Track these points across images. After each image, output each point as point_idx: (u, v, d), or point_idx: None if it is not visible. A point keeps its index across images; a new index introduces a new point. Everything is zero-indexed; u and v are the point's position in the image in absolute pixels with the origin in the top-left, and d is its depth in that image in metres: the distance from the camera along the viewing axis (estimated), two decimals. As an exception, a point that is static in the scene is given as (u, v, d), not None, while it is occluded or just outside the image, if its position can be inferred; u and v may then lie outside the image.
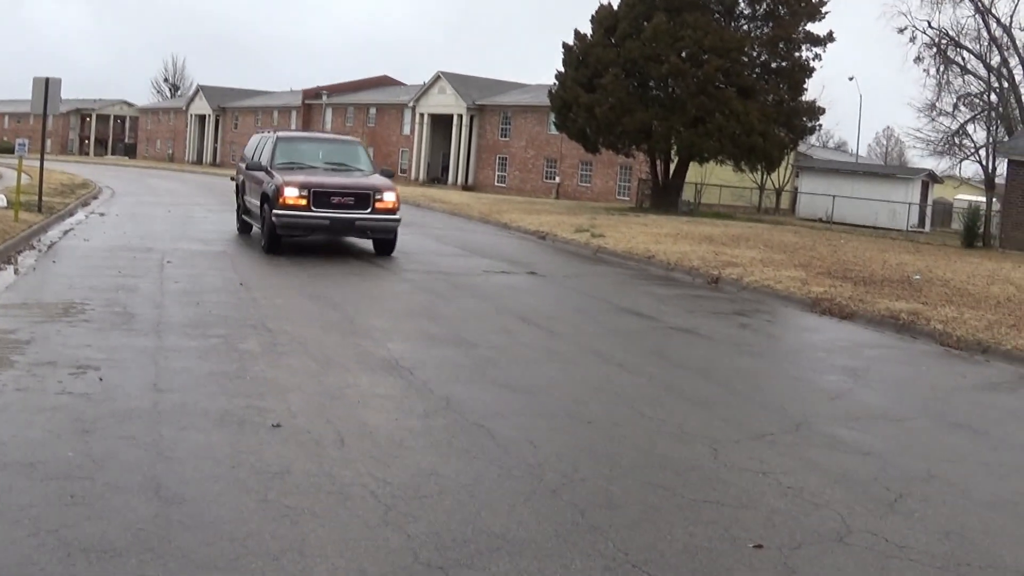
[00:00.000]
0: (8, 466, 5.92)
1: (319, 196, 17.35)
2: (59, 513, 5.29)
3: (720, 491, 6.40)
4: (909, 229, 44.94)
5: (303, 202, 17.19)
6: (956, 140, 50.66)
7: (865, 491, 6.59)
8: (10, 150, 38.31)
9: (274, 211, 17.27)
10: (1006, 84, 47.55)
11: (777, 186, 58.10)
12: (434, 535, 5.38)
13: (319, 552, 5.07)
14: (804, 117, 42.90)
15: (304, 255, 17.59)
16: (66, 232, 19.62)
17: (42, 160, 24.30)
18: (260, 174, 18.86)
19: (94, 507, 5.41)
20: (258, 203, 18.64)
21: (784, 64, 42.51)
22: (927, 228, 48.28)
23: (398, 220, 18.33)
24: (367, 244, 19.33)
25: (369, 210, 17.69)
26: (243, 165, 21.58)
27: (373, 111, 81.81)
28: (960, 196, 60.71)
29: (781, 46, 42.46)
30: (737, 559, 5.40)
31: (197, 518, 5.39)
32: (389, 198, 17.97)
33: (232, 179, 24.16)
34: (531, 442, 7.12)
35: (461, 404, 8.02)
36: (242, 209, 21.69)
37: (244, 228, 21.89)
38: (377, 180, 18.72)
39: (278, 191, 17.29)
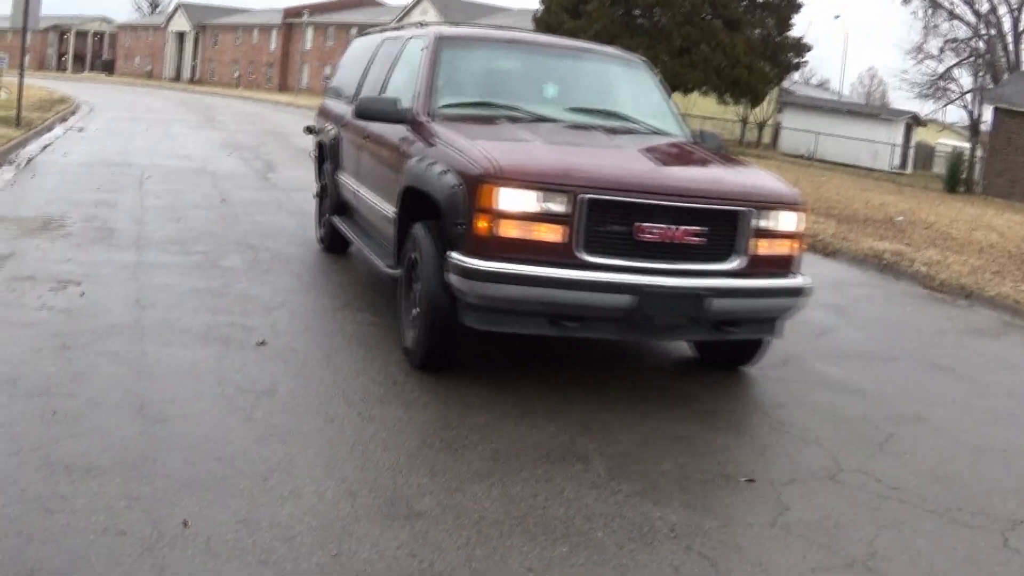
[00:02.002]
0: (-13, 379, 5.78)
1: (609, 212, 6.21)
2: (41, 430, 5.16)
3: (711, 424, 6.32)
4: (891, 170, 44.96)
5: (557, 232, 6.14)
6: (941, 84, 50.49)
7: (854, 430, 6.52)
8: (-11, 66, 37.64)
9: (460, 258, 6.19)
10: (994, 31, 47.32)
11: (760, 120, 57.92)
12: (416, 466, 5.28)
13: (308, 473, 4.96)
14: (790, 53, 42.69)
15: (283, 168, 17.26)
16: (45, 147, 19.27)
17: (21, 74, 23.90)
18: (393, 131, 7.88)
19: (76, 424, 5.28)
20: (388, 208, 7.81)
21: (772, -2, 42.17)
22: (909, 170, 48.30)
23: (802, 292, 6.90)
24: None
25: (736, 261, 6.53)
26: (338, 105, 10.47)
27: (354, 31, 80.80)
28: (942, 140, 60.70)
29: (770, -21, 42.07)
30: (731, 492, 5.33)
31: (182, 437, 5.27)
32: (787, 225, 6.79)
33: (311, 131, 11.97)
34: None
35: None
36: (333, 200, 10.16)
37: (333, 240, 10.44)
38: (746, 174, 7.26)
39: (476, 190, 6.17)
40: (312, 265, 9.88)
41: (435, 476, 5.08)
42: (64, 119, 27.78)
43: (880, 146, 45.85)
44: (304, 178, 16.62)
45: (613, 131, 7.61)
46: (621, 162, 6.66)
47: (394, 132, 7.74)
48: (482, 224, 6.02)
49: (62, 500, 4.40)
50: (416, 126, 7.41)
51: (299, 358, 6.78)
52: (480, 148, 6.34)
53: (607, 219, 6.07)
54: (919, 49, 49.98)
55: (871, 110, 59.21)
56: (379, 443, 5.44)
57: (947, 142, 57.83)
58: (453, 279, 6.16)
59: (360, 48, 10.77)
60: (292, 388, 6.17)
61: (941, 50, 49.62)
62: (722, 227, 6.33)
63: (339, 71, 11.48)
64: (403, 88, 8.05)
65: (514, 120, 7.44)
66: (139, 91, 60.78)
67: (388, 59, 9.03)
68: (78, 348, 6.50)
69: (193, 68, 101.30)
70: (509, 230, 6.01)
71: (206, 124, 31.49)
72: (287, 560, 4.10)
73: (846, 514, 5.18)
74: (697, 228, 6.22)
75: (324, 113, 11.25)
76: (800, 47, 42.83)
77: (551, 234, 6.02)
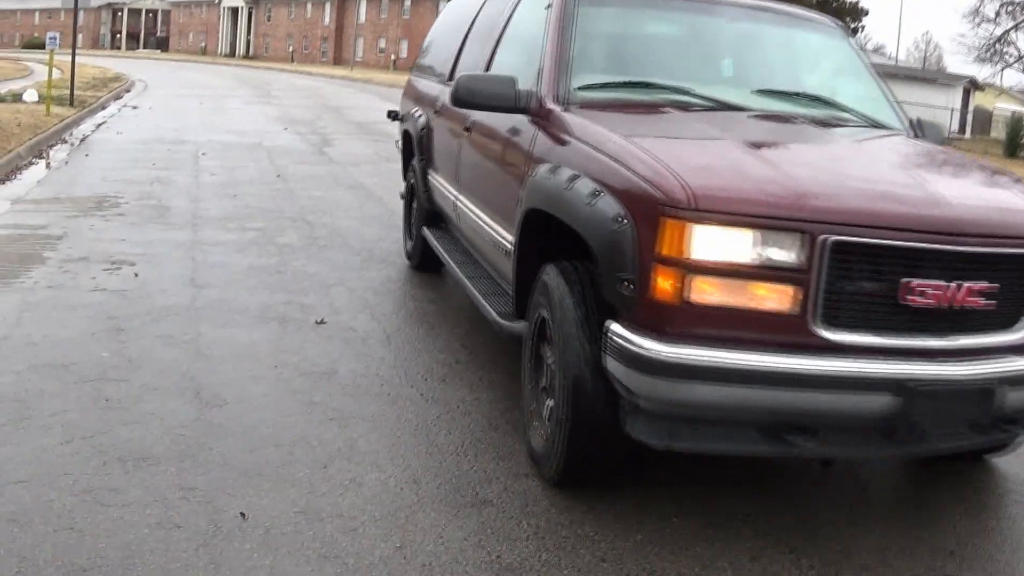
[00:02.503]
0: (39, 368, 5.62)
1: (864, 262, 3.89)
2: (93, 418, 4.99)
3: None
4: (949, 136, 44.04)
5: (783, 296, 3.84)
6: (998, 47, 49.39)
7: None
8: (41, 45, 37.82)
9: (628, 337, 3.96)
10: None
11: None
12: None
13: (370, 459, 4.75)
14: (847, 17, 41.98)
15: (339, 142, 17.11)
16: (99, 125, 19.25)
17: (73, 53, 23.90)
18: (507, 122, 5.67)
19: (130, 411, 5.10)
20: (502, 234, 5.65)
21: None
22: (968, 135, 47.34)
23: None
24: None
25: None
26: (429, 85, 8.36)
27: (408, 2, 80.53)
28: (1000, 104, 59.48)
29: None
30: None
31: (239, 422, 5.08)
32: None
33: (395, 116, 10.02)
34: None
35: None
36: (423, 205, 8.17)
37: (425, 257, 8.37)
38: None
39: (655, 227, 3.88)
40: (370, 240, 9.66)
41: (501, 461, 4.86)
42: (118, 97, 27.85)
43: (938, 111, 44.89)
44: (361, 152, 16.49)
45: (824, 124, 5.30)
46: (872, 179, 4.25)
47: (509, 124, 5.54)
48: (665, 283, 3.81)
49: (115, 493, 4.22)
50: (542, 116, 5.17)
51: (359, 337, 6.57)
52: (655, 156, 4.10)
53: (860, 273, 3.86)
54: (976, 12, 48.83)
55: (928, 75, 58.10)
56: (443, 426, 5.22)
57: (1005, 106, 56.59)
58: (615, 368, 4.01)
59: (456, 10, 8.38)
60: (352, 369, 5.96)
61: (998, 13, 48.46)
62: (1016, 280, 4.10)
63: (430, 42, 9.08)
64: (515, 62, 5.89)
65: (684, 108, 5.16)
66: (193, 68, 61.01)
67: (494, 24, 6.77)
68: (132, 331, 6.34)
69: (247, 43, 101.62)
70: (709, 293, 3.80)
71: (261, 99, 31.44)
72: (349, 554, 3.89)
73: None
74: (985, 284, 3.97)
75: (412, 95, 8.77)
76: (856, 11, 42.21)
77: (774, 299, 3.81)
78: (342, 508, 4.25)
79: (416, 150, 8.07)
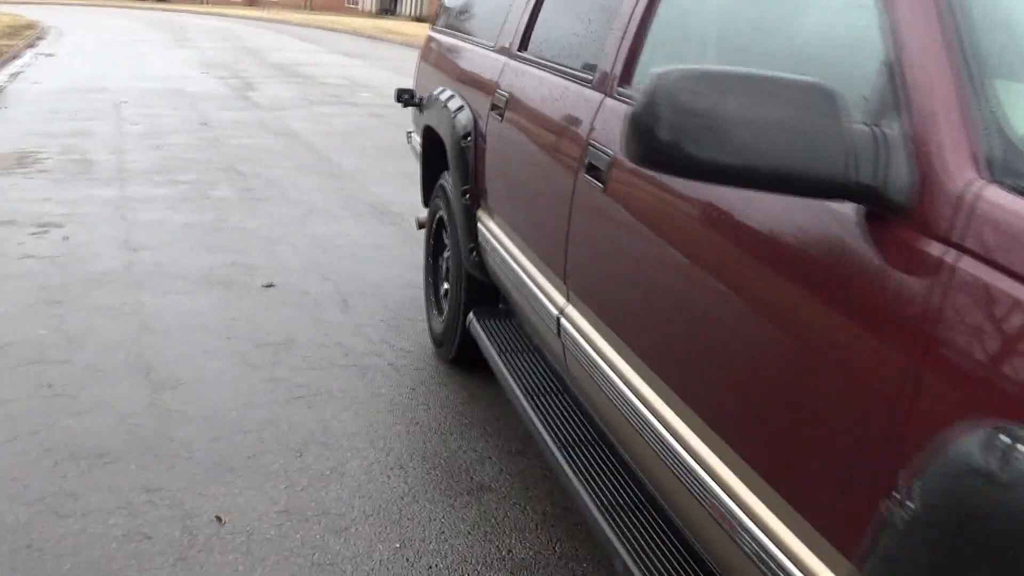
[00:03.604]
0: (-29, 349, 5.12)
1: None
2: (38, 409, 4.51)
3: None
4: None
5: None
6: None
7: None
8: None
9: None
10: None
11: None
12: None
13: (347, 443, 4.34)
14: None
15: (262, 85, 16.47)
16: (13, 76, 18.32)
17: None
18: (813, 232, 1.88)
19: (77, 399, 4.63)
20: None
21: None
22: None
23: None
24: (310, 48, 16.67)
25: None
26: (481, 57, 4.75)
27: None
28: None
29: None
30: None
31: (198, 406, 4.63)
32: None
33: (407, 100, 5.97)
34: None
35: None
36: (466, 270, 4.73)
37: (464, 350, 5.03)
38: None
39: None
40: (308, 191, 9.16)
41: (489, 438, 4.49)
42: (32, 45, 26.68)
43: None
44: (286, 95, 15.87)
45: None
46: None
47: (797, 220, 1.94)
48: None
49: (73, 499, 3.77)
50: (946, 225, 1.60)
51: (312, 301, 6.13)
52: None
53: None
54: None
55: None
56: (419, 400, 4.82)
57: None
58: None
59: None
60: (312, 338, 5.53)
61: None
62: None
63: None
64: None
65: None
66: (106, 12, 59.04)
67: None
68: (69, 303, 5.84)
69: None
70: None
71: (178, 43, 30.37)
72: (344, 559, 3.50)
73: None
74: None
75: (439, 64, 5.59)
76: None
77: None
78: (327, 504, 3.84)
79: (453, 167, 4.70)
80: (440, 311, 5.34)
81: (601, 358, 2.88)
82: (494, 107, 4.21)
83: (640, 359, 2.62)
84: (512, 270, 3.93)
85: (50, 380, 4.78)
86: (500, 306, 4.66)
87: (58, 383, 4.76)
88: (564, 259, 3.23)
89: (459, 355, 5.06)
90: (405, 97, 5.97)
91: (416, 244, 7.32)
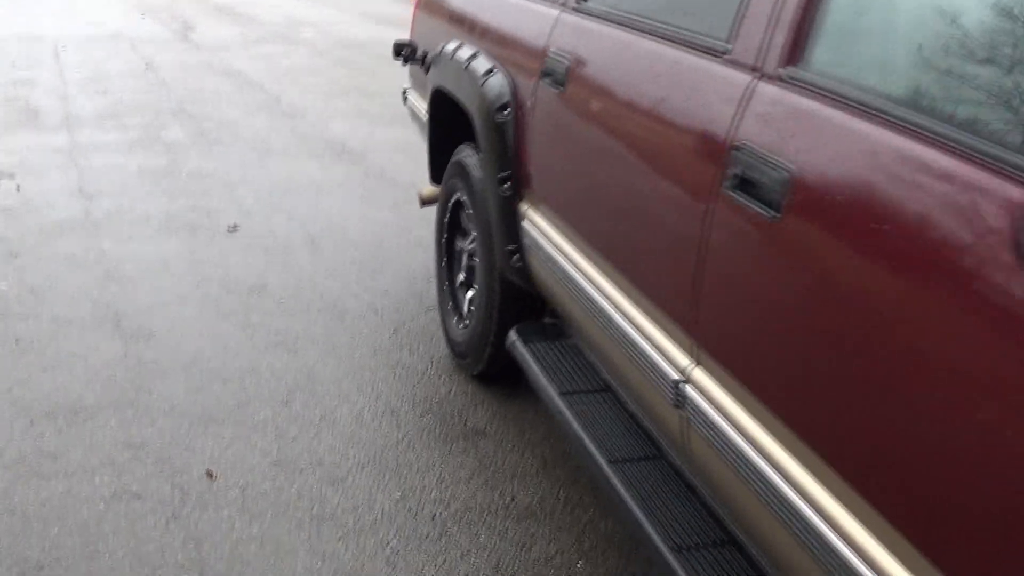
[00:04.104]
0: (-70, 305, 4.89)
1: None
2: (7, 365, 4.32)
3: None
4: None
5: None
6: None
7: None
8: None
9: None
10: None
11: None
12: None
13: (334, 389, 4.19)
14: None
15: (202, 27, 16.05)
16: (-62, 20, 17.73)
17: None
18: None
19: (46, 353, 4.44)
20: None
21: None
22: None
23: None
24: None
25: None
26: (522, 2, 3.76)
27: None
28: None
29: None
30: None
31: (174, 355, 4.46)
32: None
33: (408, 55, 5.03)
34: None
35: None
36: (503, 275, 3.79)
37: (496, 361, 4.05)
38: None
39: None
40: (261, 131, 8.89)
41: (479, 380, 4.33)
42: (-47, -11, 25.86)
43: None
44: (227, 35, 15.48)
45: None
46: None
47: None
48: None
49: (53, 459, 3.61)
50: None
51: (280, 244, 5.93)
52: None
53: None
54: None
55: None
56: (403, 343, 4.68)
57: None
58: None
59: None
60: (283, 281, 5.35)
61: None
62: None
63: None
64: None
65: None
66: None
67: None
68: (28, 253, 5.61)
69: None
70: None
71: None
72: (345, 511, 3.37)
73: None
74: None
75: (451, 13, 4.53)
76: None
77: None
78: (320, 453, 3.70)
79: (485, 147, 3.71)
80: (460, 315, 4.36)
81: (760, 455, 2.07)
82: (547, 74, 3.24)
83: (831, 468, 1.87)
84: (582, 292, 3.00)
85: (16, 335, 4.59)
86: (547, 320, 3.76)
87: (25, 338, 4.56)
88: (691, 305, 2.32)
89: (489, 370, 4.12)
90: (406, 52, 4.96)
91: (378, 182, 7.14)
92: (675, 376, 2.39)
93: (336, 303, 5.07)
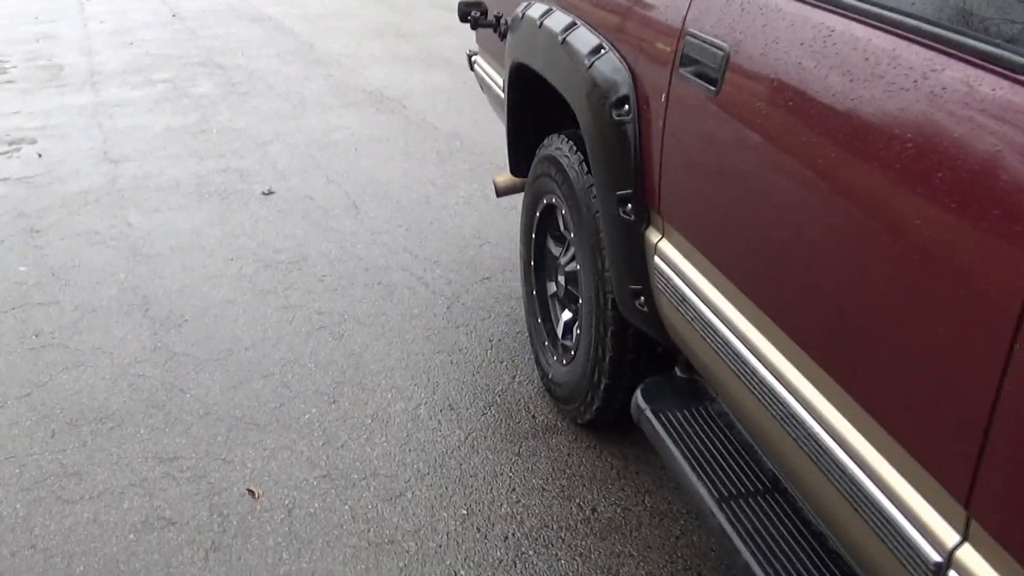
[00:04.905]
0: (-57, 295, 4.52)
1: None
2: (26, 364, 3.93)
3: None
4: None
5: None
6: None
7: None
8: None
9: None
10: None
11: None
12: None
13: (385, 380, 3.78)
14: None
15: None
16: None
17: None
18: None
19: (69, 348, 4.05)
20: None
21: None
22: None
23: None
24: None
25: None
26: None
27: None
28: None
29: None
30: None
31: (207, 345, 4.07)
32: None
33: (476, 20, 3.99)
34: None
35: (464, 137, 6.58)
36: (626, 318, 2.88)
37: (610, 407, 3.23)
38: None
39: None
40: (295, 81, 8.45)
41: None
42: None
43: None
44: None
45: None
46: None
47: None
48: None
49: (77, 479, 3.22)
50: None
51: (319, 208, 5.51)
52: None
53: None
54: None
55: None
56: (458, 322, 4.25)
57: None
58: None
59: None
60: (324, 252, 4.94)
61: None
62: None
63: None
64: None
65: None
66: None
67: None
68: (49, 231, 5.22)
69: None
70: None
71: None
72: (406, 534, 2.96)
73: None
74: None
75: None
76: None
77: None
78: (374, 463, 3.30)
79: (597, 155, 2.80)
80: (555, 344, 3.60)
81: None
82: (688, 62, 2.32)
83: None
84: (748, 370, 2.13)
85: (37, 327, 4.20)
86: (680, 375, 2.84)
87: (46, 330, 4.17)
88: (969, 463, 1.47)
89: (599, 421, 3.35)
90: (474, 15, 3.96)
91: (419, 133, 6.69)
92: (933, 556, 1.55)
93: (382, 276, 4.65)
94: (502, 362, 3.91)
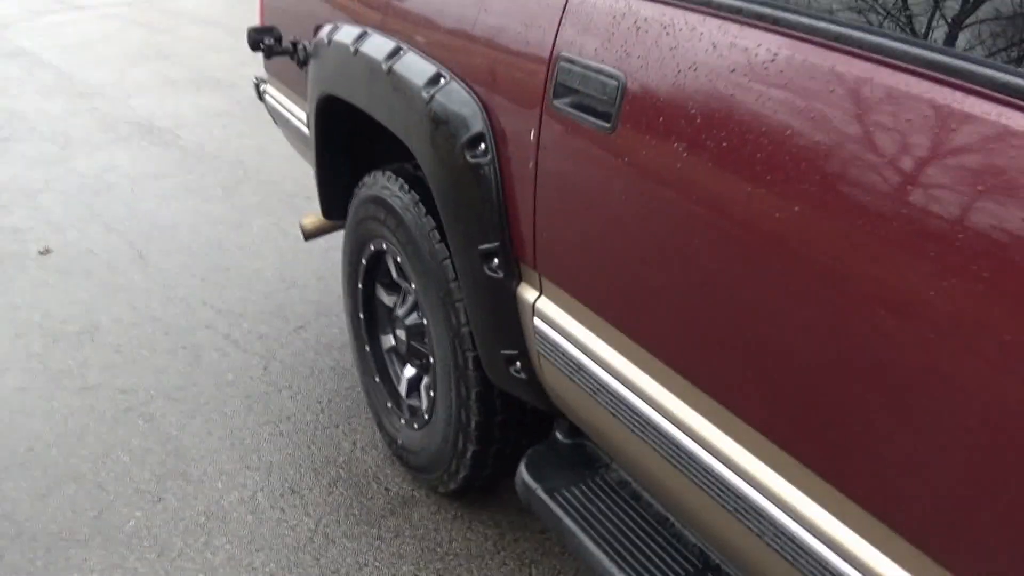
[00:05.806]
0: None
1: None
2: None
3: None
4: None
5: None
6: None
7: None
8: None
9: None
10: None
11: None
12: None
13: (212, 468, 3.40)
14: None
15: None
16: None
17: None
18: None
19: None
20: None
21: None
22: None
23: None
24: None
25: None
26: None
27: None
28: None
29: None
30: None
31: (6, 446, 3.63)
32: None
33: (269, 49, 3.23)
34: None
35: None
36: (506, 389, 2.54)
37: (477, 475, 2.92)
38: None
39: None
40: (58, 119, 7.83)
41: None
42: None
43: None
44: (5, 9, 14.03)
45: None
46: None
47: None
48: None
49: None
50: None
51: (102, 264, 5.03)
52: None
53: None
54: None
55: None
56: (277, 384, 3.90)
57: None
58: None
59: None
60: (117, 316, 4.48)
61: None
62: None
63: None
64: None
65: None
66: None
67: None
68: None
69: None
70: None
71: None
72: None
73: None
74: None
75: None
76: None
77: None
78: (219, 571, 2.94)
79: (449, 206, 2.42)
80: (403, 412, 3.24)
81: None
82: (564, 92, 1.96)
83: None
84: (666, 439, 1.85)
85: None
86: (558, 436, 2.55)
87: None
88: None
89: (467, 488, 3.00)
90: (268, 43, 3.27)
91: (198, 164, 6.25)
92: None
93: (185, 339, 4.25)
94: (337, 427, 3.59)
